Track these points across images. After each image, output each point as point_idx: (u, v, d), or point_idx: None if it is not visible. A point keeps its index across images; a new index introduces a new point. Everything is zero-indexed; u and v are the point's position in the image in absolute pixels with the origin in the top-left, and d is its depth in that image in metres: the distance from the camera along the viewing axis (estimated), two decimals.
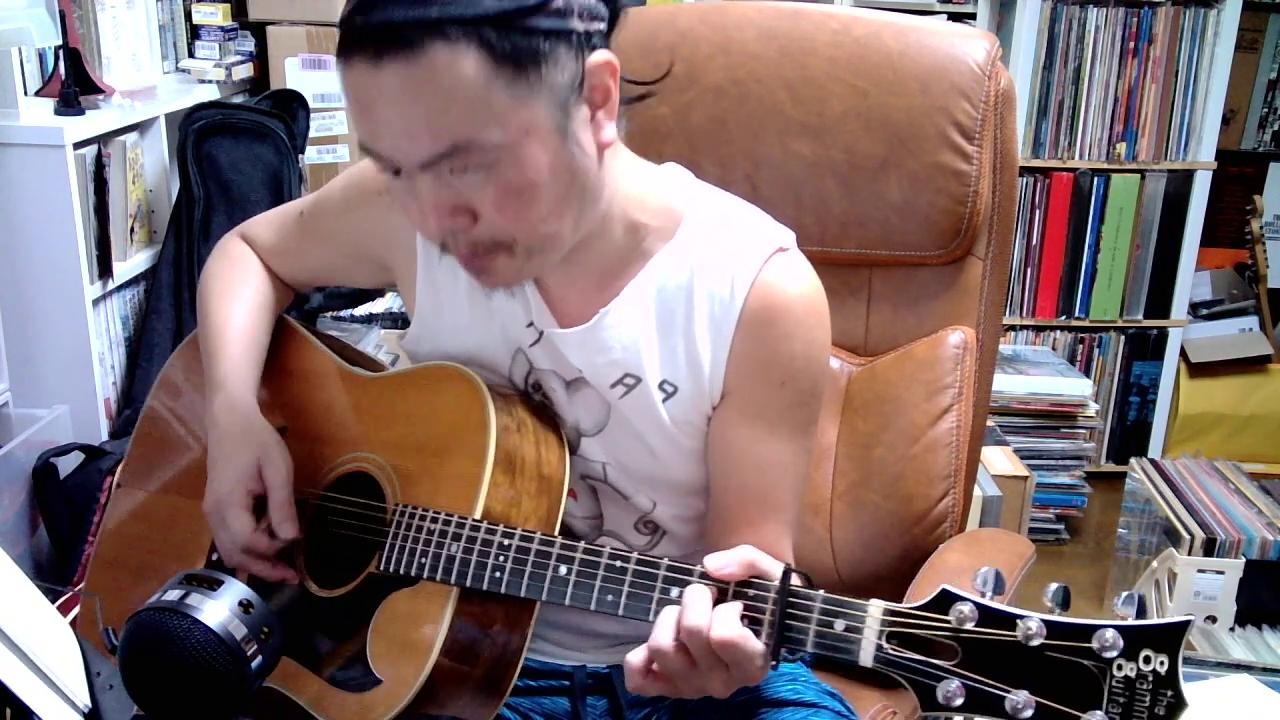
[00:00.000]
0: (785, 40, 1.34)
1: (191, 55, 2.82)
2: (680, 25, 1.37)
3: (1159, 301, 3.10)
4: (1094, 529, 2.96)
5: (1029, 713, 0.76)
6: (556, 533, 1.02)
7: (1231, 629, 2.23)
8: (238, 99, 2.85)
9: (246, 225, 1.27)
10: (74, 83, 2.14)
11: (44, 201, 2.05)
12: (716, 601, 0.87)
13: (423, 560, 0.98)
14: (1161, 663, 0.74)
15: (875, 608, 0.83)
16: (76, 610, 1.79)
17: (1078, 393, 2.85)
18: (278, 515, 1.05)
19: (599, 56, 0.90)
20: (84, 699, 0.88)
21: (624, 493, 1.10)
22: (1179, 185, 3.02)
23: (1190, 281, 3.09)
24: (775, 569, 0.88)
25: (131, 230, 2.37)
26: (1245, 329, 3.29)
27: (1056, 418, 2.86)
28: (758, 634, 0.86)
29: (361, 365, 1.17)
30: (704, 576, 0.89)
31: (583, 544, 0.95)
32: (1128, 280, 3.08)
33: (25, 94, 2.10)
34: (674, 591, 0.90)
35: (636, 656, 0.87)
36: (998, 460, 2.44)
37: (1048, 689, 0.76)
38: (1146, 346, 3.13)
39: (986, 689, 0.77)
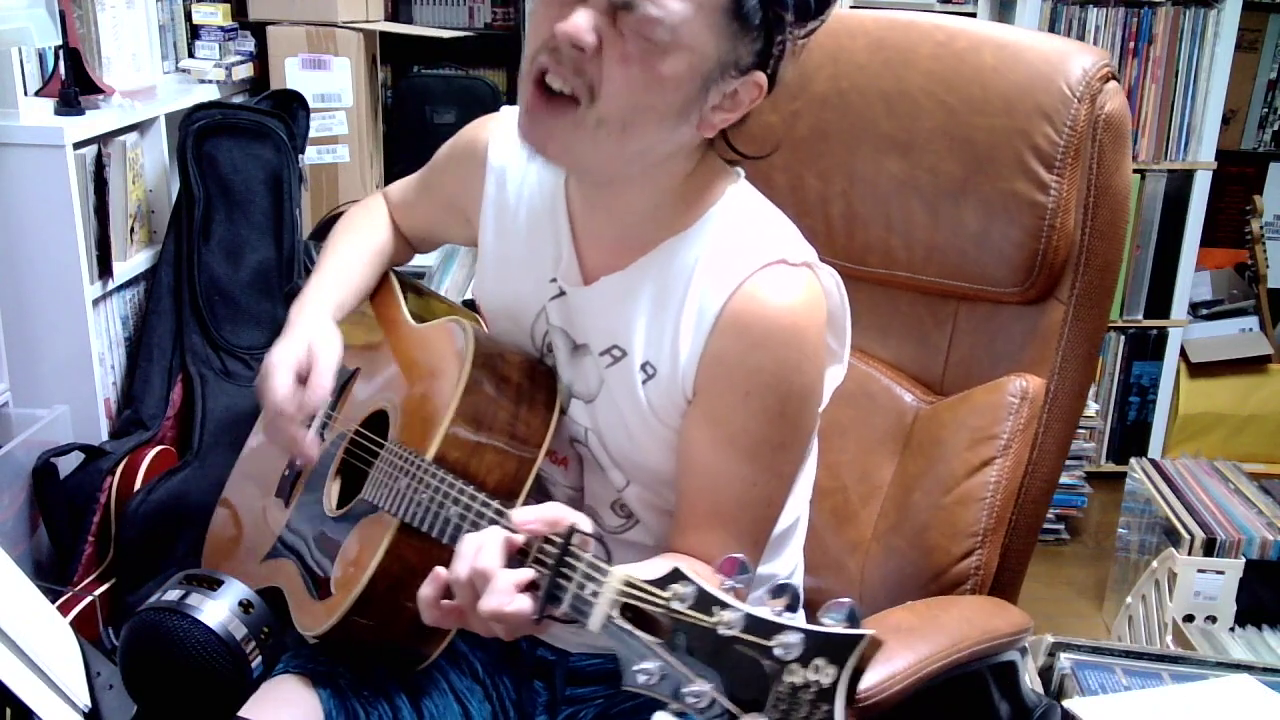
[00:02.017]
0: (890, 52, 1.27)
1: (191, 55, 2.82)
2: None
3: (1159, 301, 3.10)
4: (1094, 529, 2.96)
5: (700, 705, 0.73)
6: (525, 492, 1.07)
7: (1231, 629, 2.23)
8: (238, 99, 2.85)
9: (390, 186, 1.41)
10: (74, 83, 2.14)
11: (44, 201, 2.05)
12: (516, 553, 0.89)
13: (383, 491, 1.08)
14: (828, 674, 0.69)
15: (617, 574, 0.81)
16: (77, 610, 1.79)
17: None
18: (313, 380, 1.13)
19: (759, 76, 0.99)
20: (84, 699, 0.88)
21: (600, 463, 1.13)
22: (1179, 185, 3.02)
23: (1190, 281, 3.09)
24: (576, 521, 0.88)
25: (131, 230, 2.36)
26: (1245, 329, 3.29)
27: None
28: (535, 585, 0.86)
29: (430, 312, 1.31)
30: (509, 528, 0.90)
31: (471, 486, 1.01)
32: (1128, 280, 3.08)
33: (25, 94, 2.10)
34: (483, 524, 0.97)
35: (428, 588, 0.92)
36: None
37: (727, 684, 0.72)
38: (1146, 346, 3.13)
39: (675, 674, 0.74)
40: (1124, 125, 1.19)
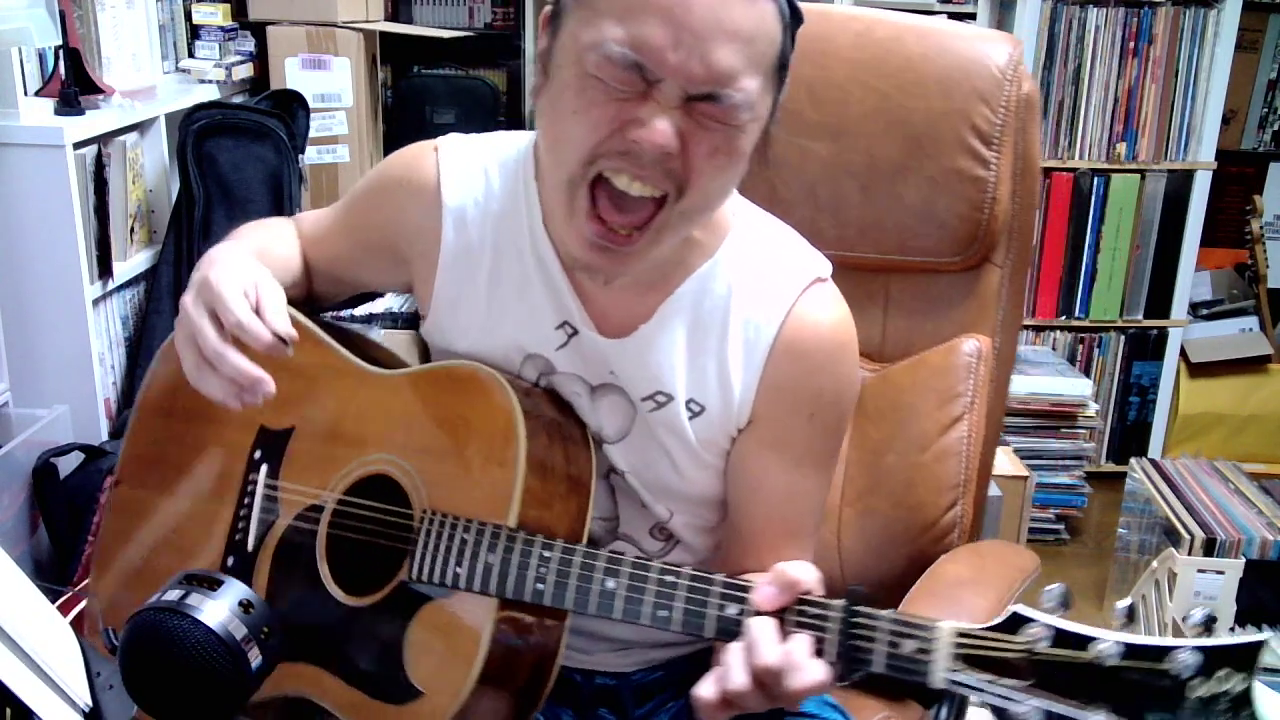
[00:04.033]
0: (807, 41, 1.28)
1: (191, 55, 2.82)
2: None
3: (1159, 301, 3.10)
4: (1094, 529, 2.97)
5: None
6: (587, 530, 1.02)
7: (1232, 629, 2.23)
8: (238, 99, 2.85)
9: (299, 214, 1.27)
10: (74, 83, 2.14)
11: (44, 201, 2.05)
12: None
13: (458, 570, 0.96)
14: (1238, 681, 0.74)
15: (946, 629, 0.82)
16: (77, 610, 1.79)
17: (1078, 393, 2.84)
18: (278, 318, 0.97)
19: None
20: (84, 699, 0.88)
21: (642, 500, 1.09)
22: (1179, 185, 3.02)
23: (1190, 281, 3.09)
24: (809, 576, 0.88)
25: (131, 230, 2.37)
26: (1245, 329, 3.29)
27: (1056, 418, 2.86)
28: (823, 655, 0.85)
29: (376, 358, 1.14)
30: (757, 612, 0.88)
31: (629, 556, 0.95)
32: (1128, 280, 3.08)
33: (25, 94, 2.10)
34: (730, 609, 0.90)
35: (708, 691, 0.86)
36: (998, 460, 2.43)
37: (1123, 709, 0.76)
38: (1146, 346, 3.13)
39: (1061, 710, 0.77)
40: (1037, 103, 1.31)
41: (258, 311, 0.96)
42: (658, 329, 1.03)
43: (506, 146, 1.10)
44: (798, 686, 0.84)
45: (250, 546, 1.09)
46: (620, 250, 0.94)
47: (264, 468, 1.11)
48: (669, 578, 0.92)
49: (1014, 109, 1.27)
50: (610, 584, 0.93)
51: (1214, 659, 0.74)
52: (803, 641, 0.85)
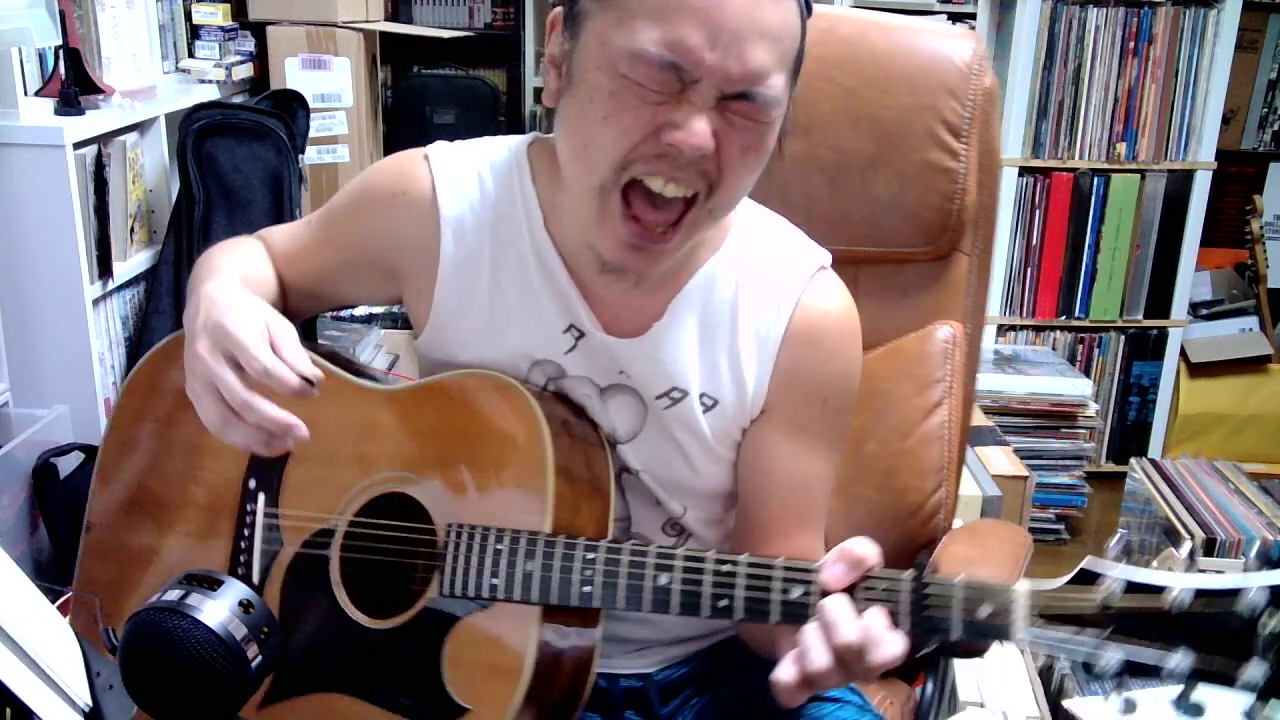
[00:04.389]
0: None
1: (191, 55, 2.82)
2: None
3: (1159, 301, 3.10)
4: (1094, 529, 2.96)
5: (1186, 671, 0.79)
6: (610, 531, 1.01)
7: None
8: (238, 99, 2.85)
9: (263, 230, 1.22)
10: (74, 83, 2.14)
11: (44, 201, 2.05)
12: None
13: (494, 581, 0.95)
14: None
15: (1022, 590, 0.84)
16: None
17: (1078, 393, 2.85)
18: (300, 359, 0.93)
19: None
20: (84, 699, 0.88)
21: (656, 497, 1.10)
22: (1179, 185, 3.02)
23: (1190, 281, 3.09)
24: (873, 553, 0.88)
25: (131, 230, 2.36)
26: (1245, 329, 3.29)
27: (1056, 418, 2.86)
28: (895, 625, 0.86)
29: (366, 376, 1.11)
30: (824, 592, 0.88)
31: (681, 549, 0.94)
32: (1128, 280, 3.08)
33: (25, 94, 2.10)
34: (795, 591, 0.90)
35: (788, 674, 0.86)
36: (998, 460, 2.44)
37: (1200, 649, 0.79)
38: (1146, 346, 3.13)
39: (1144, 655, 0.80)
40: (997, 95, 1.35)
41: (277, 354, 0.93)
42: (670, 325, 1.03)
43: (496, 150, 1.09)
44: (878, 660, 0.84)
45: (255, 580, 1.06)
46: (655, 249, 0.94)
47: (261, 497, 1.08)
48: (725, 567, 0.92)
49: (979, 102, 1.31)
50: (664, 579, 0.93)
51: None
52: (878, 615, 0.86)
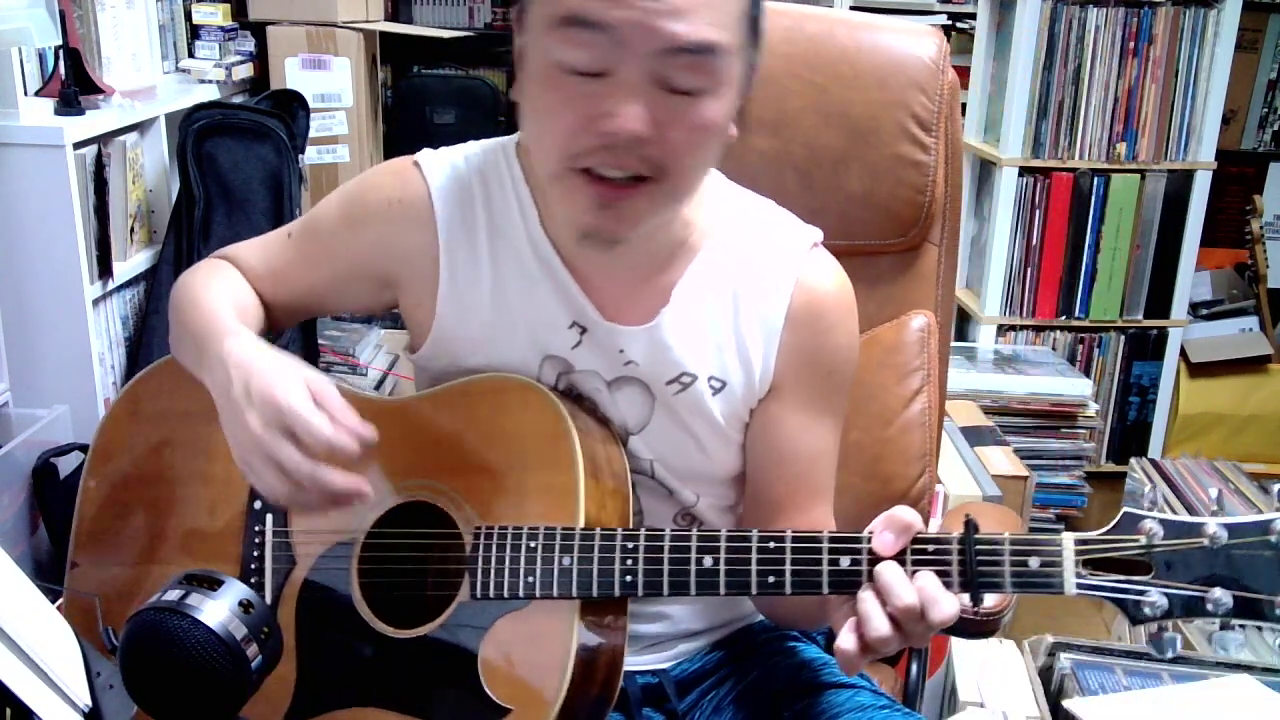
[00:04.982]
0: None
1: (191, 55, 2.82)
2: None
3: (1159, 301, 3.10)
4: (1094, 529, 2.96)
5: (1229, 606, 0.83)
6: (631, 524, 1.02)
7: (1231, 626, 2.23)
8: (238, 99, 2.85)
9: (224, 250, 1.18)
10: (74, 83, 2.14)
11: (44, 201, 2.05)
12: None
13: (530, 579, 0.95)
14: None
15: (1068, 539, 0.88)
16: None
17: (1078, 393, 2.85)
18: (351, 418, 0.93)
19: (757, 60, 0.96)
20: (84, 699, 0.88)
21: (669, 488, 1.10)
22: (1179, 185, 3.02)
23: (1190, 281, 3.09)
24: (918, 518, 0.90)
25: (131, 230, 2.36)
26: (1245, 329, 3.29)
27: (1056, 418, 2.86)
28: (949, 586, 0.88)
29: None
30: (873, 560, 0.90)
31: (724, 530, 0.95)
32: (1128, 280, 3.08)
33: (25, 94, 2.10)
34: (844, 561, 0.91)
35: (849, 643, 0.89)
36: (998, 460, 2.44)
37: (1240, 582, 0.84)
38: (1146, 346, 3.13)
39: (1188, 593, 0.85)
40: (958, 90, 1.39)
41: (328, 415, 0.92)
42: (676, 311, 1.05)
43: (486, 152, 1.09)
44: (937, 619, 0.87)
45: (268, 601, 1.05)
46: (622, 205, 0.93)
47: (269, 517, 1.08)
48: (771, 544, 0.93)
49: (946, 95, 1.34)
50: (708, 561, 0.94)
51: None
52: (930, 577, 0.88)
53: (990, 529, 0.91)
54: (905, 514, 0.90)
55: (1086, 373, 3.08)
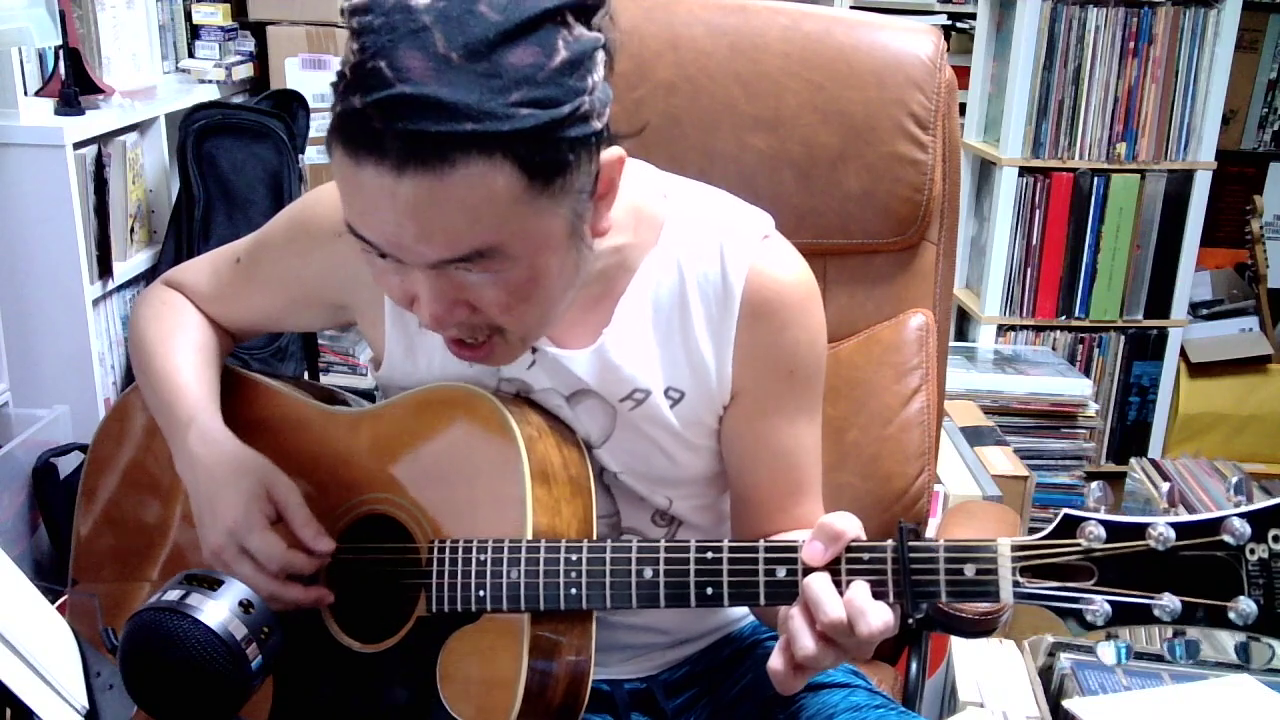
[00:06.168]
0: (735, 36, 1.36)
1: (191, 55, 2.82)
2: (624, 22, 1.35)
3: (1159, 301, 3.10)
4: None
5: (1178, 612, 0.78)
6: (595, 530, 1.01)
7: None
8: (238, 99, 2.85)
9: (172, 273, 1.18)
10: (74, 83, 2.14)
11: (44, 201, 2.05)
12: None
13: (480, 593, 0.95)
14: None
15: (1004, 546, 0.84)
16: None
17: (1078, 393, 2.84)
18: (309, 531, 0.99)
19: (612, 153, 0.88)
20: (83, 699, 0.88)
21: (639, 493, 1.09)
22: (1179, 185, 3.02)
23: (1190, 281, 3.09)
24: (852, 525, 0.87)
25: (131, 230, 2.37)
26: (1245, 329, 3.29)
27: (1056, 418, 2.86)
28: (884, 596, 0.85)
29: (335, 401, 1.11)
30: (806, 570, 0.87)
31: (662, 541, 0.93)
32: (1128, 280, 3.08)
33: (25, 94, 2.10)
34: (780, 571, 0.89)
35: (778, 663, 0.86)
36: (998, 460, 2.44)
37: (1188, 587, 0.78)
38: (1146, 346, 3.13)
39: (1132, 600, 0.80)
40: (955, 88, 1.38)
41: (290, 527, 0.98)
42: (619, 330, 1.02)
43: None
44: (867, 632, 0.83)
45: None
46: (483, 356, 0.93)
47: None
48: (709, 554, 0.91)
49: (943, 94, 1.34)
50: (648, 573, 0.92)
51: (1262, 522, 0.77)
52: (861, 587, 0.85)
53: (988, 529, 0.90)
54: (839, 521, 0.87)
55: (1086, 373, 3.08)
